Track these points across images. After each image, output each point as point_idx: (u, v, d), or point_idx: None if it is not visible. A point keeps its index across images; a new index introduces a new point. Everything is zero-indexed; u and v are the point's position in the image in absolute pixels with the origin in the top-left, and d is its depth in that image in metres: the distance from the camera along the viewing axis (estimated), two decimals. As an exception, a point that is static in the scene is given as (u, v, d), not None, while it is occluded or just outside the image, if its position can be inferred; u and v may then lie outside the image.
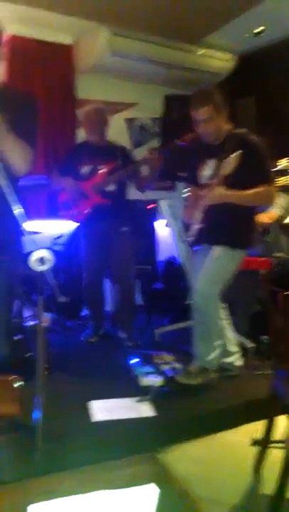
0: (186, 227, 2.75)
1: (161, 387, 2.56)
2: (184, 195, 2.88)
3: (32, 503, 0.67)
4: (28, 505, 0.66)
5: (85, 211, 3.27)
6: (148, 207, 4.23)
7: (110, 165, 3.24)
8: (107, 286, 3.56)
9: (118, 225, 3.34)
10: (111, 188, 3.28)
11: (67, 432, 2.12)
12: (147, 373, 2.69)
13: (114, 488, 0.71)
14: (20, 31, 3.90)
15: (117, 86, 4.46)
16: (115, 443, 2.09)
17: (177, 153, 3.05)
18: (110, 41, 3.89)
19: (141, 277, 4.05)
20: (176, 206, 3.35)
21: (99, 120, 3.30)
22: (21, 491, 0.75)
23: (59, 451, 1.93)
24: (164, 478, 0.76)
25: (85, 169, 3.28)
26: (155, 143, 4.68)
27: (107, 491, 0.71)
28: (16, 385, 0.93)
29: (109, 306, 3.66)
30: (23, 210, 1.77)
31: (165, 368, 2.78)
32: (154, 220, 4.34)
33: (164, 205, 3.54)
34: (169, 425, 2.29)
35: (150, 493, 0.72)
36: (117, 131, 4.22)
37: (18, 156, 1.75)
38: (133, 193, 3.47)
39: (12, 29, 3.85)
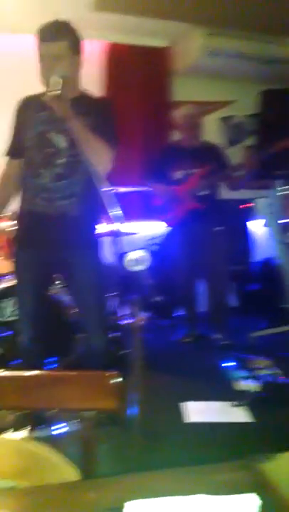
0: (286, 226, 2.62)
1: (257, 393, 2.47)
2: (284, 193, 2.76)
3: (128, 499, 0.67)
4: (125, 501, 0.67)
5: (179, 216, 3.27)
6: (244, 206, 4.12)
7: (204, 169, 3.21)
8: (201, 286, 3.54)
9: (211, 225, 3.30)
10: (205, 191, 3.25)
11: (162, 430, 2.14)
12: (243, 377, 2.61)
13: (211, 494, 0.69)
14: (116, 39, 4.03)
15: (213, 86, 4.40)
16: (211, 446, 2.06)
17: (276, 152, 2.94)
18: (206, 41, 3.86)
19: (236, 278, 3.96)
20: (275, 205, 3.22)
21: (191, 123, 3.29)
22: (118, 486, 0.75)
23: (154, 449, 1.96)
24: (263, 488, 0.72)
25: (179, 174, 3.28)
26: (251, 141, 4.55)
27: (204, 495, 0.69)
28: (114, 381, 0.95)
29: (203, 307, 3.63)
30: (120, 211, 1.82)
31: (262, 373, 2.68)
32: (251, 220, 4.21)
33: (261, 204, 3.42)
34: (267, 432, 2.20)
35: (249, 502, 0.69)
36: (212, 131, 4.17)
37: (100, 156, 1.81)
38: (227, 192, 3.41)
39: (109, 37, 4.00)
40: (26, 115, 2.00)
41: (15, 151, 2.06)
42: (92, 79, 3.83)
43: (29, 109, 2.00)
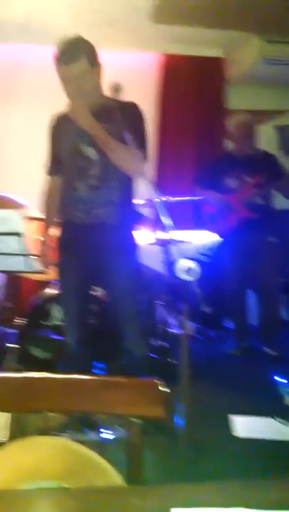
0: None
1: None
2: None
3: (173, 507, 0.67)
4: (171, 508, 0.67)
5: (232, 225, 3.23)
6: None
7: (257, 177, 3.15)
8: (252, 298, 3.46)
9: (264, 235, 3.23)
10: (258, 200, 3.19)
11: (208, 442, 2.11)
12: (294, 393, 2.53)
13: (255, 509, 0.68)
14: (172, 49, 4.07)
15: (268, 94, 4.34)
16: (258, 462, 2.01)
17: None
18: (262, 49, 3.82)
19: (289, 291, 3.84)
20: None
21: (244, 132, 3.25)
22: (163, 493, 0.75)
23: (200, 461, 1.93)
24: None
25: (231, 182, 3.25)
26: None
27: (248, 509, 0.67)
28: (162, 389, 0.96)
29: (254, 319, 3.55)
30: (171, 220, 1.83)
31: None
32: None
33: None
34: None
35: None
36: (267, 140, 4.10)
37: (131, 163, 1.82)
38: (283, 202, 3.33)
39: (164, 48, 4.05)
40: (59, 131, 2.07)
41: (53, 168, 2.14)
42: (147, 90, 3.91)
43: (61, 125, 2.07)
